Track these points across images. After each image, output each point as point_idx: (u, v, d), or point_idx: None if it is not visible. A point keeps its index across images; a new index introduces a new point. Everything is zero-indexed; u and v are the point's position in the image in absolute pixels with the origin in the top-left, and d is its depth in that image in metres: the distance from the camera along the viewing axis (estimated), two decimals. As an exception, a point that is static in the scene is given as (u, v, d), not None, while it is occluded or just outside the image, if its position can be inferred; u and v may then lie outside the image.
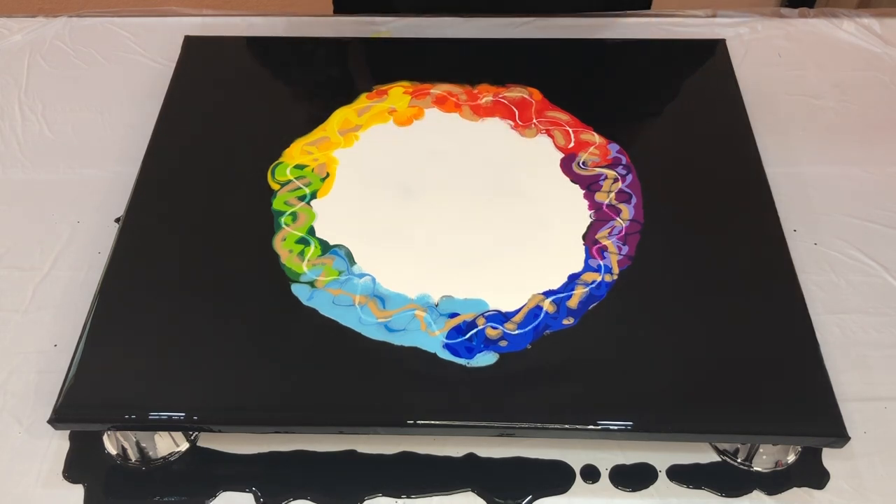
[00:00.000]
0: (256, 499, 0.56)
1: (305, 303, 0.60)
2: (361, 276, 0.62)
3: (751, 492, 0.56)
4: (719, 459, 0.58)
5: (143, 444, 0.58)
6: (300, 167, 0.70)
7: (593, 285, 0.61)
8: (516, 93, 0.76)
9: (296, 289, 0.61)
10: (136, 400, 0.56)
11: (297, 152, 0.71)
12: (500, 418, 0.55)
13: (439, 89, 0.76)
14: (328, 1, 0.96)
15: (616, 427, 0.54)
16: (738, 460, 0.57)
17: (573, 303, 0.60)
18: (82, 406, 0.55)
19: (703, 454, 0.58)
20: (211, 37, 0.84)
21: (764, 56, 0.85)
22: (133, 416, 0.55)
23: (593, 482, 0.57)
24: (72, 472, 0.57)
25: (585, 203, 0.67)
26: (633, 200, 0.67)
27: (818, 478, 0.57)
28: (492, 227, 0.66)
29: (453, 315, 0.59)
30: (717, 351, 0.58)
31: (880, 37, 0.87)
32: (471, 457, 0.58)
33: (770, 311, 0.60)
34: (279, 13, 0.91)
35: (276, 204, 0.67)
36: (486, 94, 0.76)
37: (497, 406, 0.55)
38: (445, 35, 0.87)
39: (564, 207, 0.67)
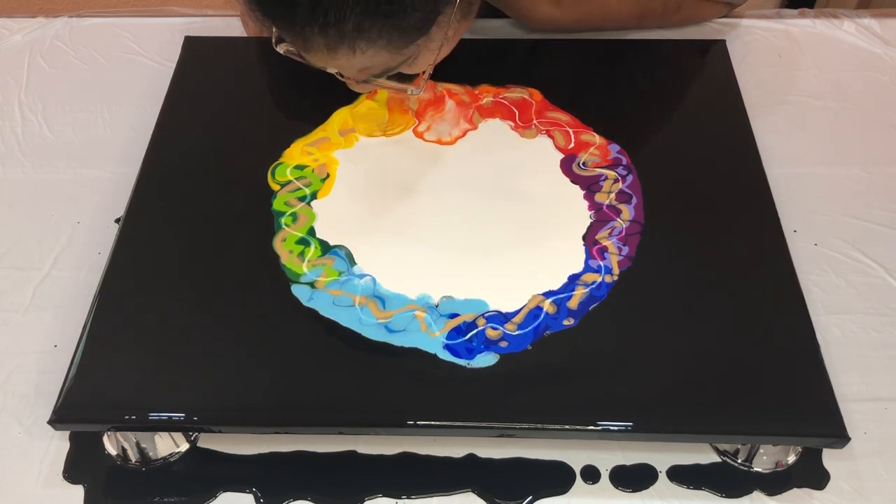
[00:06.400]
0: (256, 499, 0.56)
1: (305, 303, 0.60)
2: (362, 276, 0.62)
3: (751, 492, 0.56)
4: (719, 460, 0.58)
5: (143, 445, 0.58)
6: (300, 168, 0.70)
7: (594, 286, 0.61)
8: (516, 93, 0.76)
9: (296, 289, 0.61)
10: (136, 400, 0.56)
11: (298, 153, 0.71)
12: (500, 419, 0.55)
13: (440, 89, 0.76)
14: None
15: (616, 427, 0.54)
16: (739, 461, 0.57)
17: (573, 303, 0.60)
18: (82, 406, 0.55)
19: (703, 455, 0.58)
20: (211, 37, 0.84)
21: (764, 56, 0.85)
22: (133, 417, 0.55)
23: (593, 483, 0.57)
24: (72, 472, 0.57)
25: (585, 203, 0.67)
26: (634, 201, 0.67)
27: (818, 478, 0.57)
28: (492, 228, 0.66)
29: (453, 316, 0.59)
30: (718, 351, 0.58)
31: (880, 37, 0.87)
32: (471, 457, 0.58)
33: (770, 312, 0.60)
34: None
35: (277, 204, 0.67)
36: (487, 95, 0.76)
37: (497, 406, 0.55)
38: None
39: (564, 208, 0.67)
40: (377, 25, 0.54)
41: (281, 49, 0.61)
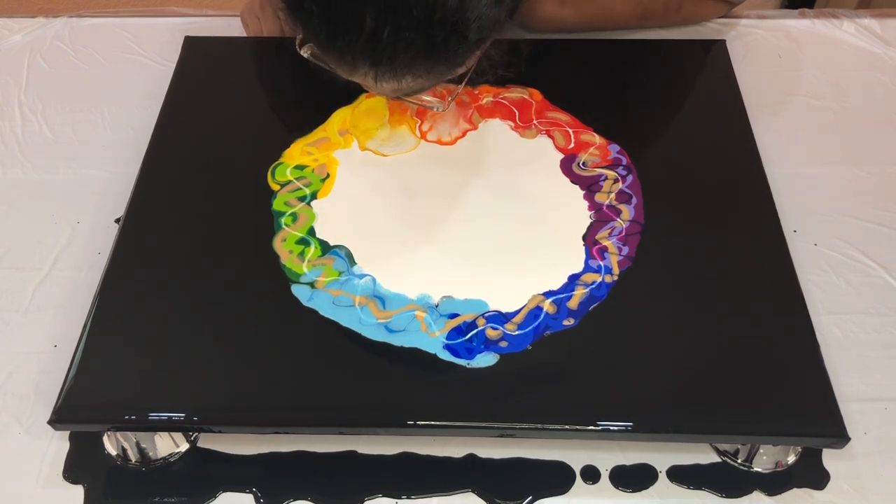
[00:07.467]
0: (256, 499, 0.56)
1: (305, 303, 0.60)
2: (362, 276, 0.62)
3: (751, 492, 0.56)
4: (719, 460, 0.58)
5: (143, 445, 0.58)
6: (300, 168, 0.70)
7: (593, 286, 0.61)
8: (516, 93, 0.76)
9: (296, 289, 0.61)
10: (136, 400, 0.56)
11: (297, 153, 0.71)
12: (500, 419, 0.55)
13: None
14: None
15: (616, 427, 0.54)
16: (739, 461, 0.57)
17: (573, 303, 0.60)
18: (82, 406, 0.55)
19: (703, 455, 0.58)
20: (211, 37, 0.84)
21: (764, 56, 0.85)
22: (133, 417, 0.55)
23: (593, 483, 0.57)
24: (72, 472, 0.57)
25: (585, 204, 0.67)
26: (634, 201, 0.67)
27: (818, 478, 0.57)
28: (492, 228, 0.66)
29: (453, 316, 0.59)
30: (717, 351, 0.58)
31: (880, 37, 0.87)
32: (471, 457, 0.58)
33: (770, 312, 0.60)
34: (279, 13, 0.91)
35: (277, 204, 0.67)
36: (487, 95, 0.76)
37: (497, 406, 0.55)
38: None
39: (564, 208, 0.67)
40: (426, 64, 0.55)
41: (305, 53, 0.61)
